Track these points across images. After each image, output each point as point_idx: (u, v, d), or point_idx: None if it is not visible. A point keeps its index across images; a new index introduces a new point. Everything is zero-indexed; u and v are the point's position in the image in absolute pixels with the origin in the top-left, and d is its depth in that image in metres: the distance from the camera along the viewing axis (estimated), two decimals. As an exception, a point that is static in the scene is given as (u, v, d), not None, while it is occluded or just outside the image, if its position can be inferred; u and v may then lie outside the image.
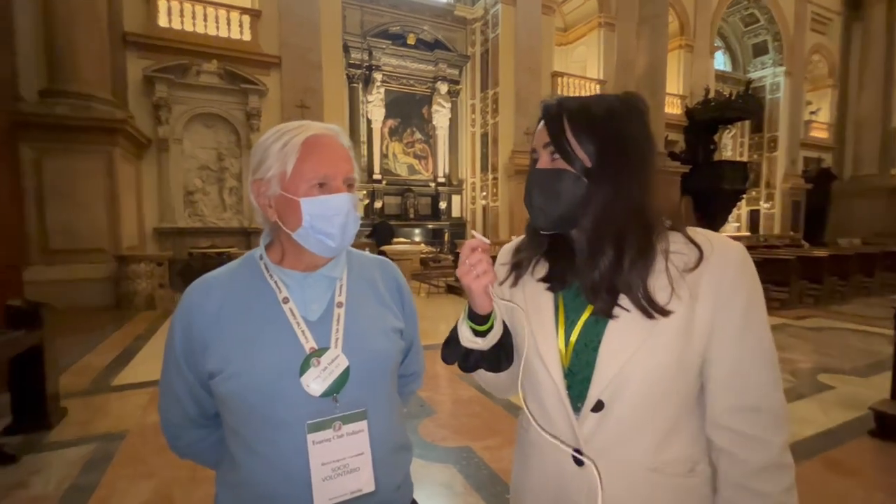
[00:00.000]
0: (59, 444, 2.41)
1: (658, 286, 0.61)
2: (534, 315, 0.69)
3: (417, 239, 12.46)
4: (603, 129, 0.62)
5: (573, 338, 0.66)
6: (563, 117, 0.63)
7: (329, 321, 0.74)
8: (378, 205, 12.51)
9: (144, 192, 8.06)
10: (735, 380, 0.61)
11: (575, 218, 0.64)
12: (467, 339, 0.66)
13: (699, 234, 0.64)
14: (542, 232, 0.69)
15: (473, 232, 0.66)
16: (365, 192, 12.37)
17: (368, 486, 0.70)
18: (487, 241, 0.62)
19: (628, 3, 13.17)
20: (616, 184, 0.62)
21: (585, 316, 0.65)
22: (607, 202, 0.62)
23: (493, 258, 0.77)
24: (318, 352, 0.71)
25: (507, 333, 0.70)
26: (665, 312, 0.59)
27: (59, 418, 2.67)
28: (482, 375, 0.74)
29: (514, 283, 0.74)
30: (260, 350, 0.70)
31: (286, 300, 0.73)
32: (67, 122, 6.07)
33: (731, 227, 17.60)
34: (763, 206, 17.97)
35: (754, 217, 18.33)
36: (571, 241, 0.68)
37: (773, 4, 16.70)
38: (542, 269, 0.71)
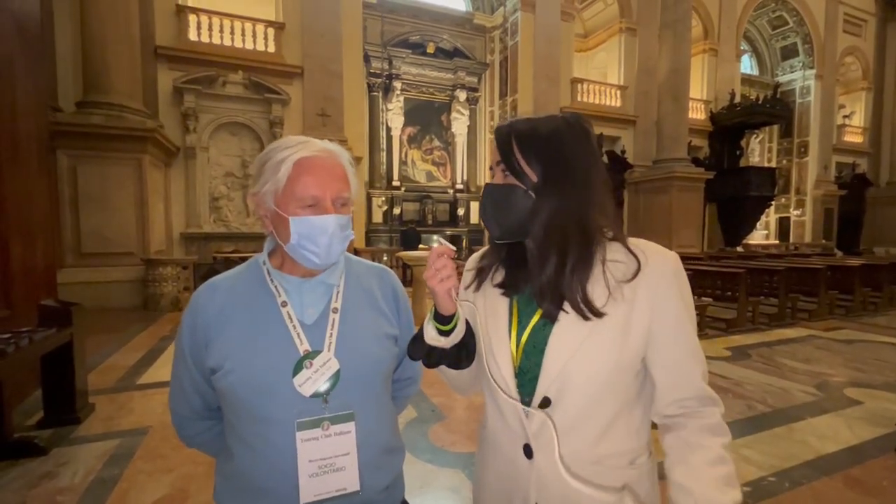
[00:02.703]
0: (86, 438, 2.52)
1: (596, 291, 0.67)
2: (490, 318, 0.75)
3: (435, 245, 12.49)
4: (548, 148, 0.68)
5: (523, 339, 0.71)
6: (513, 138, 0.69)
7: (324, 325, 0.78)
8: (397, 211, 12.62)
9: (172, 198, 8.37)
10: (676, 377, 0.68)
11: (525, 228, 0.70)
12: (432, 337, 0.71)
13: (638, 244, 0.70)
14: (496, 241, 0.75)
15: (441, 239, 0.70)
16: (384, 198, 12.51)
17: (353, 486, 0.74)
18: (453, 248, 0.68)
19: (650, 8, 13.03)
20: (559, 198, 0.68)
21: (535, 319, 0.71)
22: (552, 214, 0.68)
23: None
24: (312, 354, 0.75)
25: (469, 334, 0.75)
26: (600, 314, 0.65)
27: (87, 414, 2.79)
28: (446, 374, 0.79)
29: (477, 289, 0.79)
30: (257, 350, 0.74)
31: (284, 304, 0.78)
32: (101, 131, 6.37)
33: (758, 234, 17.09)
34: (793, 213, 17.38)
35: (784, 224, 17.74)
36: (525, 250, 0.74)
37: (802, 6, 16.25)
38: (500, 275, 0.77)
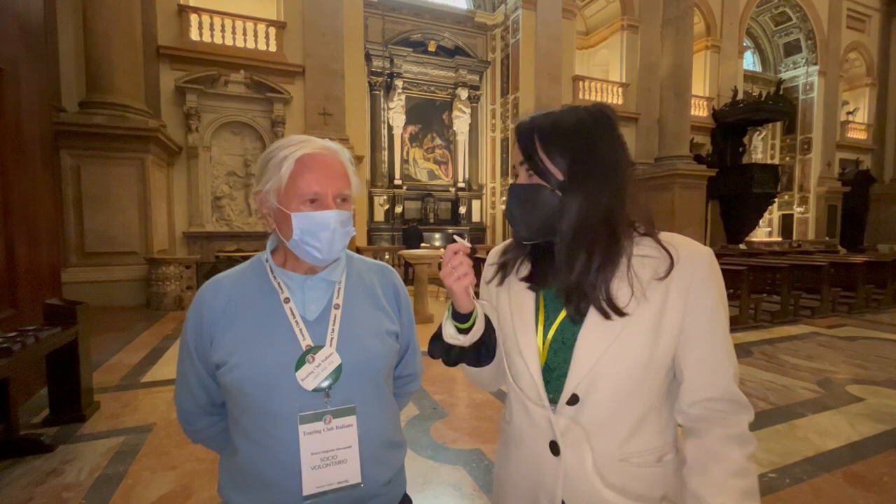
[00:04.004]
0: (91, 435, 2.55)
1: (621, 290, 0.65)
2: (516, 313, 0.73)
3: (437, 244, 12.53)
4: (572, 144, 0.66)
5: (550, 335, 0.70)
6: (535, 136, 0.67)
7: (326, 321, 0.79)
8: (398, 210, 12.64)
9: (175, 198, 8.41)
10: (704, 377, 0.65)
11: (553, 227, 0.68)
12: (450, 335, 0.70)
13: (671, 240, 0.68)
14: (524, 242, 0.74)
15: (456, 237, 0.69)
16: (386, 197, 12.53)
17: (354, 478, 0.75)
18: (469, 245, 0.67)
19: (652, 5, 12.99)
20: (587, 194, 0.65)
21: (563, 315, 0.69)
22: (580, 212, 0.65)
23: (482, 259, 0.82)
24: (314, 349, 0.76)
25: (488, 331, 0.73)
26: (622, 314, 0.63)
27: (93, 412, 2.82)
28: (466, 370, 0.78)
29: (501, 283, 0.78)
30: (260, 345, 0.76)
31: (287, 300, 0.79)
32: (104, 131, 6.40)
33: (762, 231, 17.03)
34: (797, 210, 17.33)
35: (787, 222, 17.69)
36: (552, 245, 0.72)
37: (805, 2, 16.17)
38: (526, 269, 0.76)
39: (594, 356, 0.65)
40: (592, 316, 0.66)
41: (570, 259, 0.67)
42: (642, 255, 0.67)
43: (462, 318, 0.69)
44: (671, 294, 0.64)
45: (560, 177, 0.66)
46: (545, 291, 0.73)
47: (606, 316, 0.64)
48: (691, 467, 0.65)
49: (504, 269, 0.78)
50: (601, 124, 0.67)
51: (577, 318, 0.67)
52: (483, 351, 0.73)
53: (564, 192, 0.66)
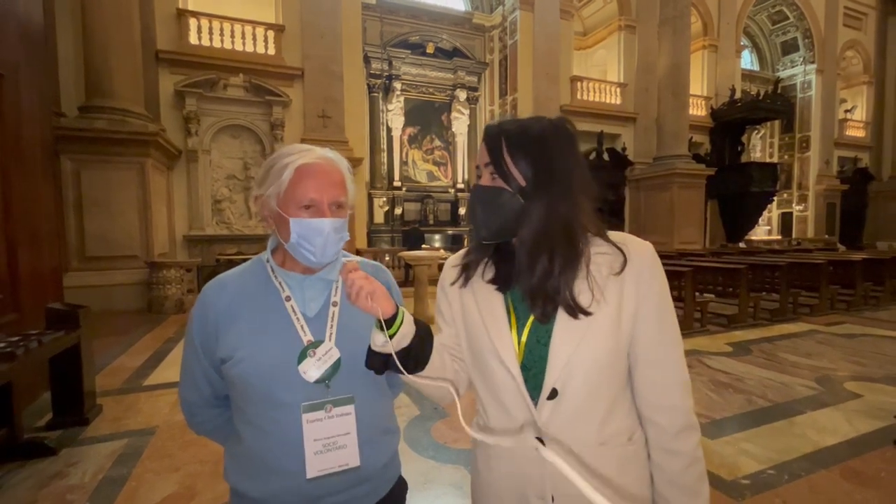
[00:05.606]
0: (94, 438, 2.57)
1: (581, 292, 0.69)
2: (487, 315, 0.75)
3: (437, 245, 12.54)
4: (537, 153, 0.69)
5: (524, 337, 0.72)
6: (503, 141, 0.70)
7: (325, 318, 0.85)
8: (398, 211, 12.65)
9: (175, 201, 8.43)
10: (656, 359, 0.71)
11: (512, 230, 0.71)
12: (379, 345, 0.69)
13: (618, 238, 0.73)
14: (483, 242, 0.76)
15: (343, 259, 0.69)
16: (385, 198, 12.55)
17: (354, 462, 0.81)
18: (354, 258, 0.67)
19: (649, 5, 13.02)
20: (547, 202, 0.69)
21: (533, 316, 0.72)
22: (540, 218, 0.69)
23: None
24: (314, 344, 0.81)
25: (421, 338, 0.71)
26: (587, 313, 0.68)
27: (95, 415, 2.83)
28: (410, 380, 0.73)
29: (464, 284, 0.79)
30: (264, 340, 0.80)
31: (288, 298, 0.84)
32: (105, 136, 6.42)
33: (761, 230, 17.05)
34: (795, 208, 17.36)
35: (786, 220, 17.73)
36: (513, 248, 0.75)
37: (802, 1, 16.21)
38: (491, 271, 0.78)
39: (569, 350, 0.69)
40: (562, 315, 0.69)
41: (531, 264, 0.70)
42: (598, 252, 0.71)
43: (388, 324, 0.68)
44: (626, 286, 0.70)
45: (522, 182, 0.69)
46: (512, 293, 0.75)
47: (574, 315, 0.68)
48: (652, 466, 0.74)
49: (467, 270, 0.79)
50: (563, 137, 0.71)
51: (544, 319, 0.71)
52: (410, 358, 0.70)
53: (526, 198, 0.69)
